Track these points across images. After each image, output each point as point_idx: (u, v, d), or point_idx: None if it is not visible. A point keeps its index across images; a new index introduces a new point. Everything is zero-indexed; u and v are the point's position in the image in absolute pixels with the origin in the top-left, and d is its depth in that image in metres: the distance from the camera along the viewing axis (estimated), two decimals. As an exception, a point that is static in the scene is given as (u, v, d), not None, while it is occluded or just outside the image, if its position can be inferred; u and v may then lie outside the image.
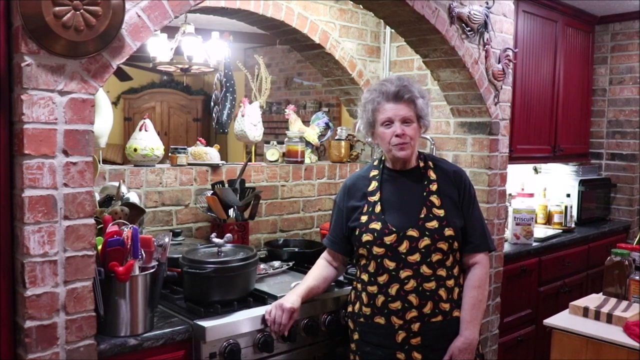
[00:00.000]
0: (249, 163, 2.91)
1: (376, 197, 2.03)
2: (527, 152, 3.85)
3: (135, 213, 2.13)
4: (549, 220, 4.09)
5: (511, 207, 3.55)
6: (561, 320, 2.32)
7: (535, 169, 4.49)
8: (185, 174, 2.69)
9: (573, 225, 4.11)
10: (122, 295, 1.79)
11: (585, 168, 4.42)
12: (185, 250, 2.17)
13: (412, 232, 1.94)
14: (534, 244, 3.55)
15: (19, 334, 1.58)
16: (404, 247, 1.94)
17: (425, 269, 1.94)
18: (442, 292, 1.96)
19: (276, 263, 2.60)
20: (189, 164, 2.74)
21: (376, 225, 1.98)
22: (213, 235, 2.24)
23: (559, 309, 2.55)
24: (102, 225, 1.86)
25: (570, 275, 3.83)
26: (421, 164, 2.06)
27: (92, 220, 1.65)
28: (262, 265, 2.51)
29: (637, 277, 2.43)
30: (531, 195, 4.01)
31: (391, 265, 1.95)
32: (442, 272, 1.96)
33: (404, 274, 1.94)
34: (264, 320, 1.99)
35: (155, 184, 2.58)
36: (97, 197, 2.18)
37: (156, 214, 2.59)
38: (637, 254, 2.54)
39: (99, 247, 1.76)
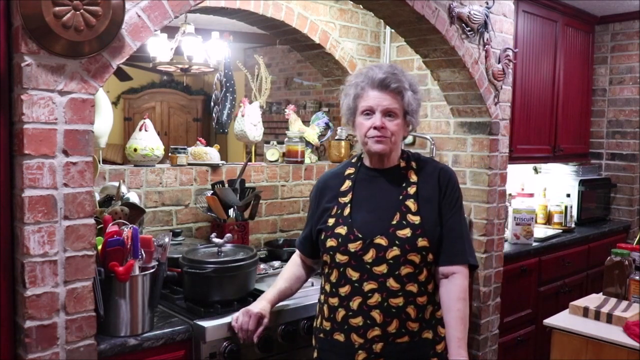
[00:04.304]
0: (249, 163, 2.91)
1: (347, 199, 1.82)
2: (527, 152, 3.85)
3: (135, 213, 2.13)
4: (549, 220, 4.09)
5: (511, 207, 3.55)
6: (561, 320, 2.32)
7: (535, 169, 4.49)
8: (185, 174, 2.69)
9: (573, 225, 4.11)
10: (122, 295, 1.79)
11: (585, 168, 4.42)
12: (185, 250, 2.17)
13: (380, 240, 1.73)
14: (534, 244, 3.54)
15: (19, 334, 1.58)
16: (369, 256, 1.73)
17: (392, 283, 1.71)
18: (411, 310, 1.73)
19: (276, 263, 2.60)
20: (189, 164, 2.74)
21: (342, 230, 1.77)
22: (213, 235, 2.24)
23: (559, 309, 2.55)
24: (102, 225, 1.86)
25: (570, 275, 3.83)
26: (402, 164, 1.85)
27: (92, 220, 1.65)
28: (262, 265, 2.52)
29: (637, 277, 2.43)
30: (531, 195, 4.01)
31: (355, 275, 1.74)
32: (412, 288, 1.73)
33: (368, 286, 1.72)
34: (230, 327, 1.91)
35: (155, 184, 2.58)
36: (97, 197, 2.18)
37: (156, 214, 2.59)
38: (637, 254, 2.54)
39: (99, 247, 1.76)
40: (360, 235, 1.74)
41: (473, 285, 3.07)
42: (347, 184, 1.86)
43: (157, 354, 1.83)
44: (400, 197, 1.78)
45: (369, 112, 1.76)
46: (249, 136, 3.02)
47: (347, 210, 1.80)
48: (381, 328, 1.71)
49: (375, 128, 1.74)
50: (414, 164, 1.85)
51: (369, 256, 1.72)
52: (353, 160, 1.93)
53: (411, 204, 1.77)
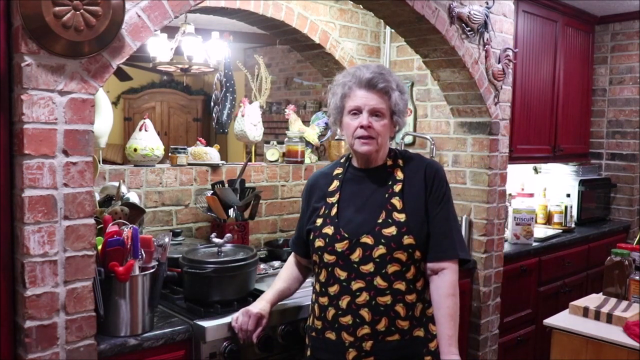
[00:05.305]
0: (249, 163, 2.91)
1: (334, 199, 1.83)
2: (527, 152, 3.85)
3: (135, 213, 2.13)
4: (549, 220, 4.09)
5: (511, 207, 3.55)
6: (561, 320, 2.32)
7: (535, 169, 4.49)
8: (185, 174, 2.69)
9: (573, 225, 4.12)
10: (122, 295, 1.79)
11: (585, 168, 4.42)
12: (185, 250, 2.17)
13: (367, 239, 1.73)
14: (534, 244, 3.55)
15: (19, 334, 1.58)
16: (356, 255, 1.73)
17: (379, 281, 1.72)
18: (400, 308, 1.72)
19: (276, 263, 2.61)
20: (189, 164, 2.74)
21: (329, 230, 1.78)
22: (213, 235, 2.24)
23: (559, 309, 2.55)
24: (102, 225, 1.86)
25: (570, 275, 3.83)
26: (389, 162, 1.84)
27: (92, 220, 1.65)
28: (262, 265, 2.52)
29: (637, 277, 2.43)
30: (531, 195, 4.01)
31: (342, 275, 1.75)
32: (400, 286, 1.72)
33: (355, 285, 1.73)
34: (230, 327, 1.91)
35: (155, 184, 2.58)
36: (97, 197, 2.18)
37: (156, 214, 2.59)
38: (637, 254, 2.54)
39: (99, 247, 1.76)
40: (346, 235, 1.75)
41: (473, 285, 3.07)
42: (335, 184, 1.87)
43: (157, 354, 1.82)
44: (386, 195, 1.78)
45: (356, 111, 1.76)
46: (249, 136, 3.02)
47: (334, 210, 1.81)
48: (370, 326, 1.71)
49: (362, 127, 1.74)
50: (400, 162, 1.85)
51: (356, 255, 1.74)
52: (342, 161, 1.94)
53: (396, 201, 1.77)
